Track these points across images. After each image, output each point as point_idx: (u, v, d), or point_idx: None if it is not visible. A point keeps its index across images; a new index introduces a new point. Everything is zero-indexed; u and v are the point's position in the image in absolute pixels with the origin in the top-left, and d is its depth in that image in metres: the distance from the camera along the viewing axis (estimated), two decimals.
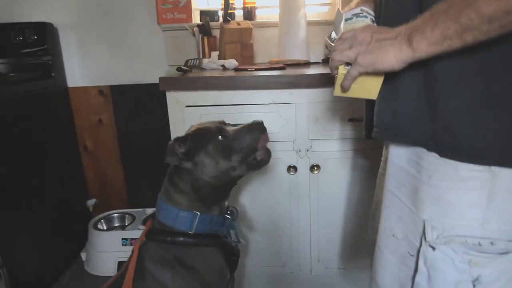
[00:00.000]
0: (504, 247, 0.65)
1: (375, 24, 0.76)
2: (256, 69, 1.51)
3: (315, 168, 1.41)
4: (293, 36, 1.68)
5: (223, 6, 1.79)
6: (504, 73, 0.61)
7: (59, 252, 1.90)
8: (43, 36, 1.85)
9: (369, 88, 0.70)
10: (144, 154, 2.08)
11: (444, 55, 0.60)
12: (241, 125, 1.03)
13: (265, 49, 1.90)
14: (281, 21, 1.71)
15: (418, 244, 0.70)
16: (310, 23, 1.74)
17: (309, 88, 1.33)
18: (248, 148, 1.00)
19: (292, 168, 1.41)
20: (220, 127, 1.01)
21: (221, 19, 1.84)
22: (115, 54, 2.01)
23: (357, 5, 0.82)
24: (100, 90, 2.06)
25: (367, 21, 0.77)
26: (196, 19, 1.93)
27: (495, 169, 0.62)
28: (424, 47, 0.59)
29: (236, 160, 0.99)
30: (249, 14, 1.94)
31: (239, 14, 1.96)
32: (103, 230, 1.98)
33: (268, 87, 1.34)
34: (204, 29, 1.79)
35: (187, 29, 1.85)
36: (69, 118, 2.06)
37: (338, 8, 1.67)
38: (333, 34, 1.74)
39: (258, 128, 1.02)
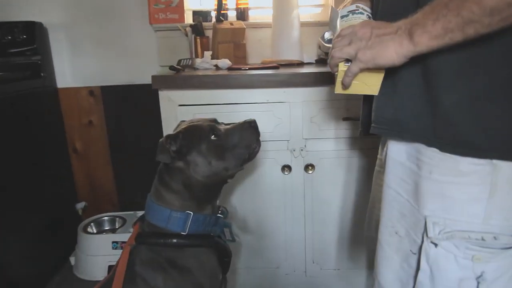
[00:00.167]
0: (508, 241, 0.64)
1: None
2: (250, 69, 1.50)
3: (310, 167, 1.40)
4: (287, 37, 1.68)
5: (216, 7, 1.78)
6: (505, 66, 0.60)
7: (48, 257, 1.85)
8: (32, 35, 1.82)
9: (370, 84, 0.70)
10: (135, 156, 2.05)
11: (445, 49, 0.59)
12: (233, 124, 1.02)
13: (258, 50, 1.89)
14: (274, 21, 1.71)
15: (420, 241, 0.70)
16: (303, 24, 1.74)
17: (304, 87, 1.32)
18: (241, 149, 0.99)
19: (286, 168, 1.40)
20: (212, 126, 0.99)
21: (214, 19, 1.83)
22: (106, 55, 1.98)
23: (352, 2, 0.81)
24: (91, 91, 2.03)
25: (364, 17, 0.76)
26: (188, 19, 1.92)
27: (497, 162, 0.62)
28: (425, 41, 0.59)
29: (229, 160, 0.98)
30: (242, 15, 1.93)
31: (232, 15, 1.95)
32: (93, 233, 1.94)
33: (262, 86, 1.33)
34: (197, 29, 1.77)
35: (179, 29, 1.84)
36: (59, 119, 2.02)
37: (332, 6, 1.67)
38: (326, 34, 1.75)
39: (250, 127, 1.01)
